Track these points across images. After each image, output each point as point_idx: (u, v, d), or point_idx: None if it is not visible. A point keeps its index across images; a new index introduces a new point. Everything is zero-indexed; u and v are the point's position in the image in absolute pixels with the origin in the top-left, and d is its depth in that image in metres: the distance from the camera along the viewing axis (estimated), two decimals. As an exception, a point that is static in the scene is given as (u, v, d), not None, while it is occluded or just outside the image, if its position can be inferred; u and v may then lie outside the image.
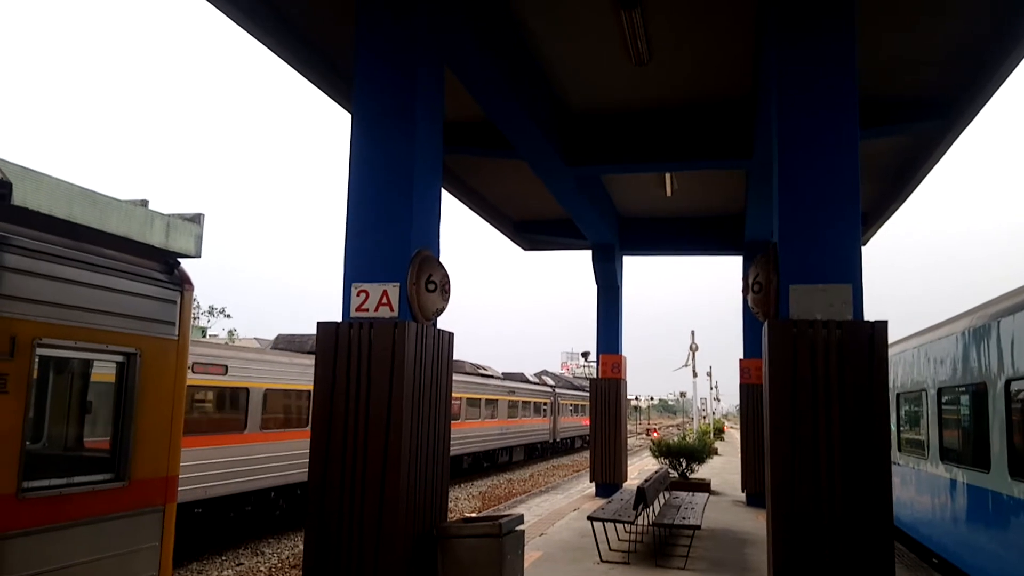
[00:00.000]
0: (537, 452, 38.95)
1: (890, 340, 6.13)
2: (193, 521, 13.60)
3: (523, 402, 35.49)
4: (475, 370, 31.63)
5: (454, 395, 28.69)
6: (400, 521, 6.02)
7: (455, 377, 28.08)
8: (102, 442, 5.68)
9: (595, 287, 18.07)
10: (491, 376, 32.76)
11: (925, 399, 10.74)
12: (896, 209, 14.90)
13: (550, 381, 44.34)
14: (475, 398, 28.95)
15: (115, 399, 5.58)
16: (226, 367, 14.17)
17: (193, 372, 15.17)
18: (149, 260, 5.88)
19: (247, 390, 14.72)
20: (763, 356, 6.43)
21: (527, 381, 38.44)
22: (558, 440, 42.25)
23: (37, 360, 4.92)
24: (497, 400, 31.57)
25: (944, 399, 10.02)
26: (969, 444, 9.17)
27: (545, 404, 39.75)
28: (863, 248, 6.37)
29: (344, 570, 6.03)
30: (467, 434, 27.85)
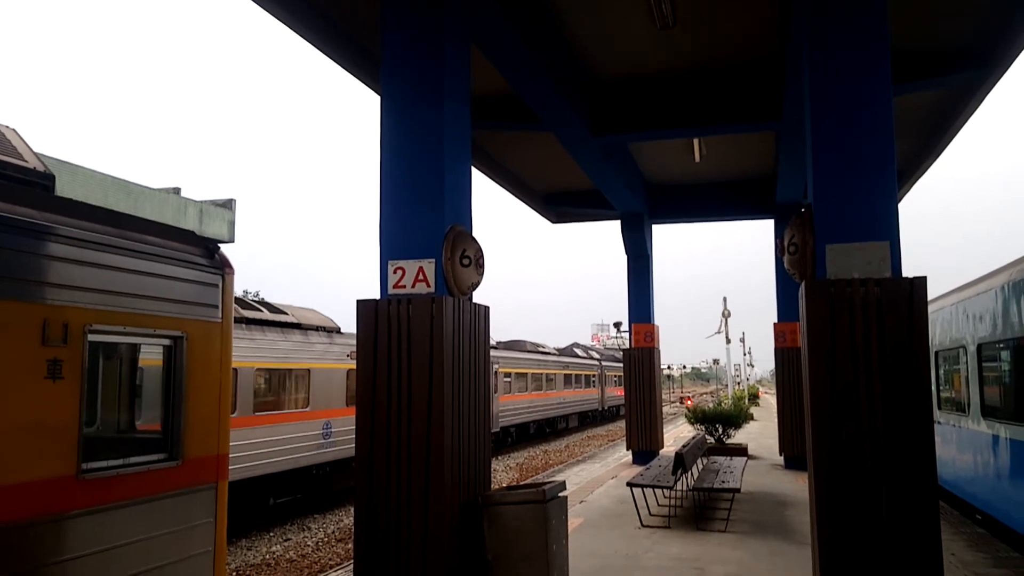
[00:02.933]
0: (588, 419, 42.54)
1: (929, 297, 6.08)
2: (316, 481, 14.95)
3: (575, 375, 39.17)
4: (535, 348, 35.32)
5: (521, 371, 30.61)
6: (445, 491, 6.14)
7: (520, 355, 32.08)
8: (154, 424, 5.85)
9: (625, 257, 18.03)
10: (548, 353, 36.38)
11: (965, 356, 10.63)
12: (932, 163, 14.64)
13: (595, 355, 47.67)
14: (537, 373, 32.70)
15: (164, 381, 5.73)
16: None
17: (350, 359, 15.90)
18: (190, 245, 6.00)
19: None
20: (800, 317, 6.41)
21: (577, 356, 42.11)
22: (605, 408, 45.84)
23: (88, 346, 5.06)
24: (555, 374, 35.32)
25: (984, 355, 9.91)
26: (1011, 399, 9.08)
27: (593, 376, 43.12)
28: (899, 204, 6.29)
29: (393, 541, 6.17)
30: (533, 404, 31.85)
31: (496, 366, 28.25)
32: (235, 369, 14.38)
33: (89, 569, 4.88)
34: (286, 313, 15.75)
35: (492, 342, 31.53)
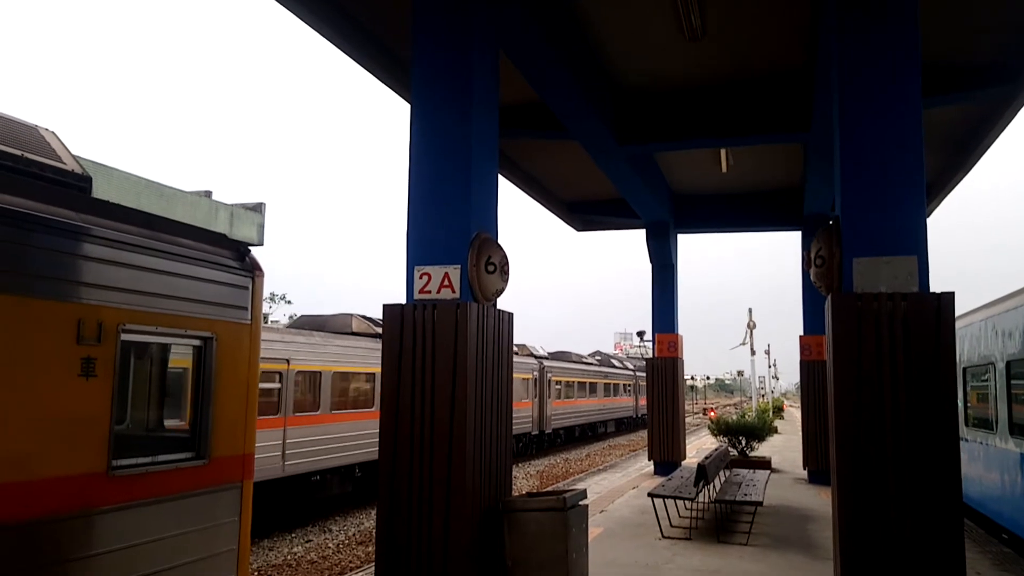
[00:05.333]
0: (624, 425, 44.93)
1: (956, 312, 6.03)
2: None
3: (614, 384, 42.07)
4: (579, 359, 38.58)
5: (569, 379, 32.78)
6: (467, 496, 6.18)
7: (567, 365, 34.56)
8: (182, 422, 5.95)
9: (649, 266, 17.99)
10: (590, 363, 39.65)
11: (993, 373, 10.49)
12: (961, 178, 14.48)
13: (630, 365, 49.43)
14: (582, 381, 35.99)
15: (193, 381, 5.83)
16: None
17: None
18: (222, 248, 6.10)
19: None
20: (827, 331, 6.39)
21: (613, 366, 44.36)
22: (639, 416, 47.57)
23: (121, 345, 5.16)
24: (597, 383, 38.45)
25: (1014, 372, 9.77)
26: (1041, 418, 8.95)
27: (629, 385, 45.49)
28: (928, 219, 6.25)
29: (415, 544, 6.22)
30: (579, 409, 35.14)
31: (549, 375, 31.16)
32: (319, 372, 15.63)
33: (117, 565, 4.97)
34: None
35: (542, 352, 33.51)
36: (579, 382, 35.68)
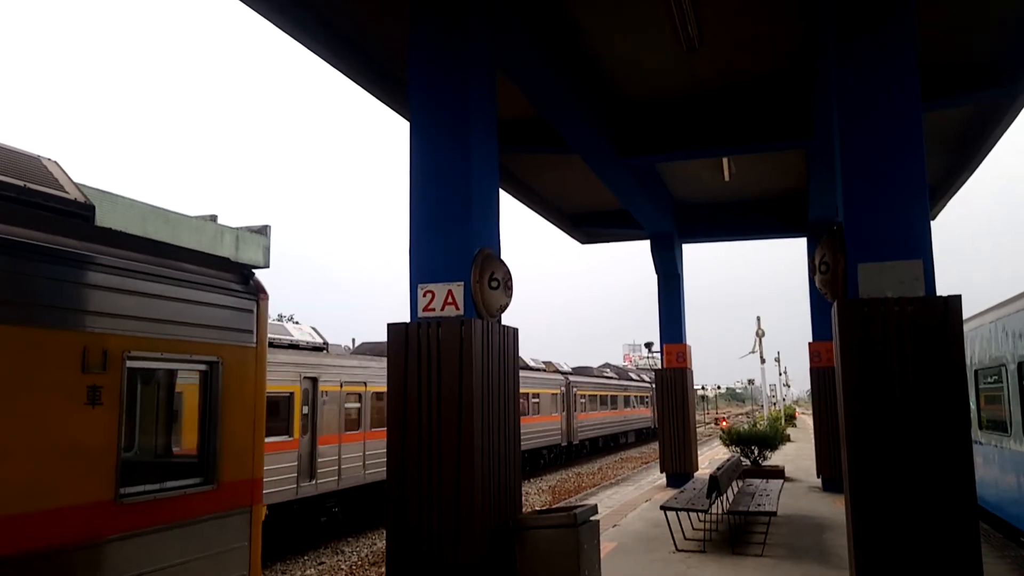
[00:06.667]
0: (643, 435, 46.51)
1: (965, 315, 5.98)
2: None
3: (633, 396, 44.08)
4: (600, 373, 41.43)
5: (592, 393, 34.98)
6: (476, 514, 6.13)
7: (590, 379, 36.59)
8: (190, 448, 5.94)
9: (655, 277, 17.96)
10: (611, 377, 42.22)
11: (1005, 374, 10.40)
12: (965, 180, 14.43)
13: (647, 378, 50.59)
14: (604, 395, 38.19)
15: (200, 406, 5.82)
16: None
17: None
18: (226, 272, 6.11)
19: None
20: (834, 337, 6.35)
21: (631, 379, 46.45)
22: (656, 427, 47.45)
23: (127, 372, 5.17)
24: (617, 396, 40.75)
25: (1026, 373, 9.69)
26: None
27: (646, 397, 46.66)
28: (932, 222, 6.22)
29: (425, 564, 6.18)
30: (603, 421, 37.59)
31: (575, 389, 33.05)
32: (359, 393, 16.65)
33: (127, 593, 4.95)
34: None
35: (567, 368, 35.30)
36: (601, 396, 37.62)
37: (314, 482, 14.77)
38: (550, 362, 33.35)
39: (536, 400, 28.23)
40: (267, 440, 14.11)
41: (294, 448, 14.29)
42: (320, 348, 16.06)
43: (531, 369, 29.32)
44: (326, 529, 15.54)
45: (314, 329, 16.65)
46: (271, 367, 14.54)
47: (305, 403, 14.82)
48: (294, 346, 15.18)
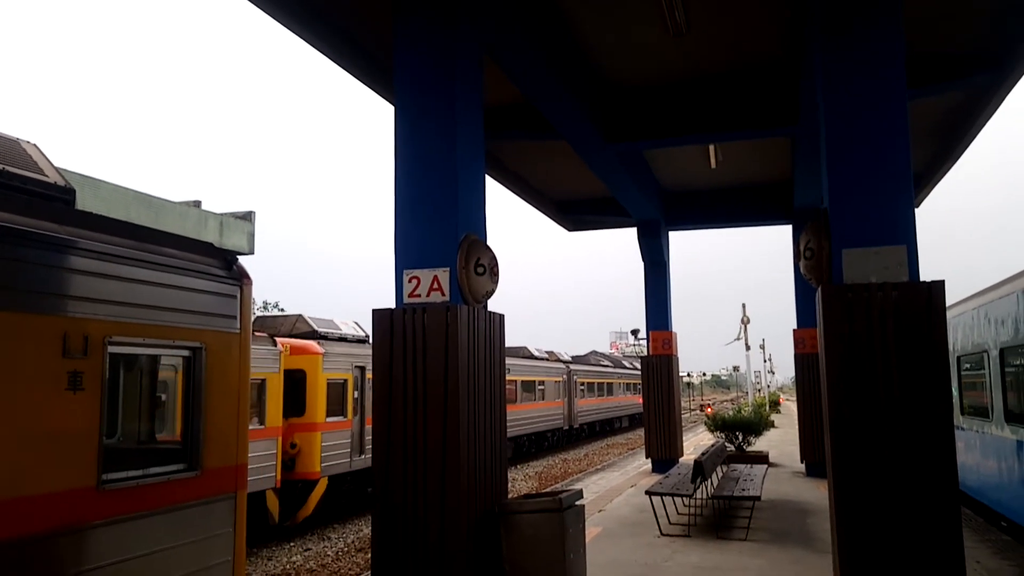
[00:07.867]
0: (636, 420, 46.89)
1: (948, 301, 6.01)
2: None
3: (627, 383, 46.24)
4: (597, 361, 43.58)
5: (590, 380, 37.18)
6: (462, 499, 6.14)
7: (589, 367, 38.33)
8: (173, 434, 5.90)
9: (642, 264, 17.99)
10: (607, 365, 44.48)
11: (987, 360, 10.50)
12: (950, 167, 14.52)
13: (639, 365, 50.61)
14: (601, 382, 40.29)
15: (183, 392, 5.78)
16: None
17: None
18: (208, 257, 6.06)
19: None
20: (818, 322, 6.38)
21: (624, 367, 48.25)
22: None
23: (108, 357, 5.12)
24: (613, 383, 43.06)
25: (1007, 359, 9.78)
26: (1035, 404, 8.95)
27: (639, 384, 47.55)
28: (917, 210, 6.24)
29: (411, 548, 6.19)
30: (600, 407, 39.94)
31: (575, 377, 35.05)
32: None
33: (109, 580, 4.92)
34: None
35: (567, 357, 36.96)
36: (598, 383, 39.81)
37: (363, 456, 16.42)
38: (552, 352, 35.60)
39: (542, 387, 30.35)
40: (329, 420, 14.99)
41: (348, 427, 16.07)
42: (363, 340, 17.26)
43: (536, 358, 31.50)
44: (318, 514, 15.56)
45: (357, 323, 17.85)
46: (331, 358, 15.38)
47: (356, 389, 16.37)
48: (343, 339, 16.71)
